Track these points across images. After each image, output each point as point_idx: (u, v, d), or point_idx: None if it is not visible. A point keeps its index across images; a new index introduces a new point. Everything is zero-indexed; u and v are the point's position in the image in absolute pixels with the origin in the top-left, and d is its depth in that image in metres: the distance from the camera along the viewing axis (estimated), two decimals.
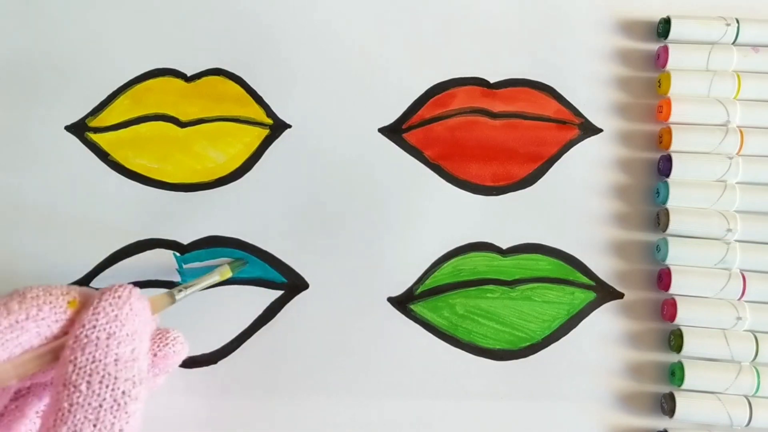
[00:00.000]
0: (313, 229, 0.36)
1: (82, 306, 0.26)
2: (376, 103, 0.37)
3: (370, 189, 0.36)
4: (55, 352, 0.26)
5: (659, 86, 0.37)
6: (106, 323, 0.26)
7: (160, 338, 0.30)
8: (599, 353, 0.35)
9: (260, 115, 0.37)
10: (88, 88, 0.37)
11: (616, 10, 0.39)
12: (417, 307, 0.35)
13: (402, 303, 0.35)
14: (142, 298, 0.27)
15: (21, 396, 0.28)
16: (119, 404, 0.25)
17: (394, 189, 0.36)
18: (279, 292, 0.35)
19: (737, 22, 0.36)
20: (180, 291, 0.31)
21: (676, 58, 0.36)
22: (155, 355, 0.29)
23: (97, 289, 0.27)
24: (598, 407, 0.34)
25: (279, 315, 0.35)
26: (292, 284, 0.35)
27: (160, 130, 0.37)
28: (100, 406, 0.25)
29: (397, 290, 0.35)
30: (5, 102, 0.37)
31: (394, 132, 0.37)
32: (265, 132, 0.37)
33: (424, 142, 0.37)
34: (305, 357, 0.34)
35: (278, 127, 0.37)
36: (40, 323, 0.26)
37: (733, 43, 0.37)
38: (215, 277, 0.33)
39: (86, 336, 0.25)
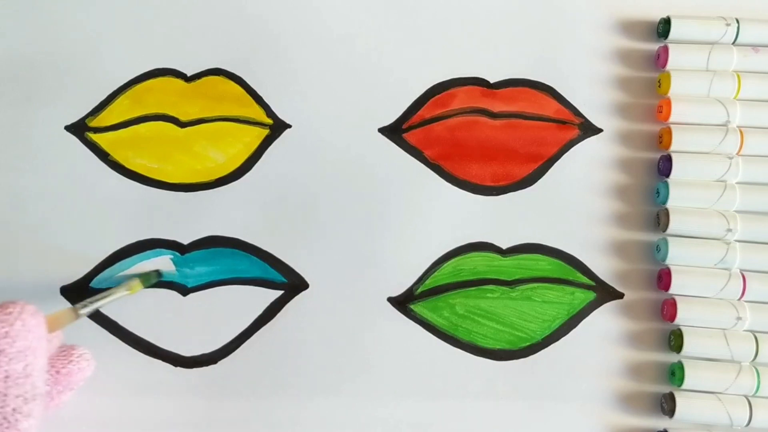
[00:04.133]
0: (313, 229, 0.36)
1: None
2: (376, 103, 0.37)
3: (370, 189, 0.36)
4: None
5: (659, 86, 0.37)
6: None
7: (64, 355, 0.30)
8: (599, 353, 0.35)
9: (260, 115, 0.37)
10: (88, 88, 0.37)
11: (616, 10, 0.39)
12: (417, 307, 0.35)
13: (402, 303, 0.35)
14: (36, 315, 0.27)
15: None
16: (9, 421, 0.25)
17: (394, 189, 0.36)
18: (279, 292, 0.35)
19: (737, 22, 0.36)
20: (84, 306, 0.31)
21: (676, 58, 0.36)
22: (58, 372, 0.30)
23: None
24: (598, 407, 0.34)
25: (279, 315, 0.35)
26: (292, 284, 0.35)
27: (160, 130, 0.37)
28: None
29: (397, 290, 0.35)
30: (5, 102, 0.37)
31: (394, 132, 0.37)
32: (265, 132, 0.37)
33: (424, 142, 0.37)
34: (305, 357, 0.34)
35: (278, 127, 0.37)
36: None
37: (733, 43, 0.37)
38: (123, 291, 0.33)
39: None
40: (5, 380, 0.25)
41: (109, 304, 0.32)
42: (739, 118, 0.36)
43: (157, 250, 0.35)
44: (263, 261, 0.35)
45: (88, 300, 0.31)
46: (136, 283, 0.33)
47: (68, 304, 0.34)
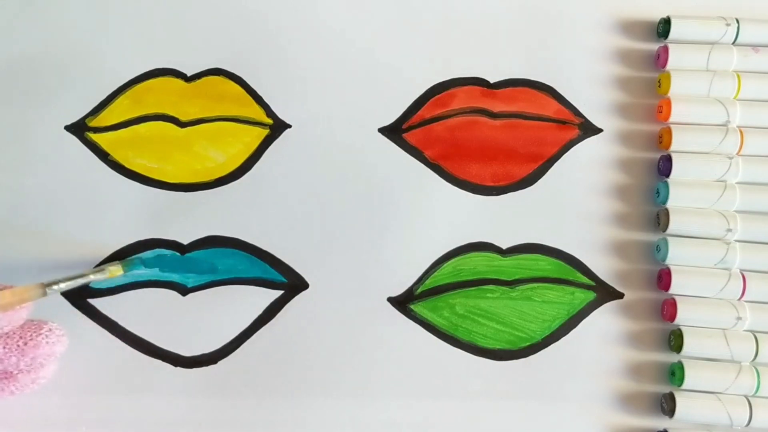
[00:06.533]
0: (313, 229, 0.36)
1: None
2: (376, 103, 0.37)
3: (370, 189, 0.36)
4: None
5: (659, 86, 0.37)
6: None
7: (33, 328, 0.31)
8: (599, 353, 0.35)
9: (260, 115, 0.37)
10: (88, 88, 0.37)
11: (616, 10, 0.39)
12: (417, 307, 0.35)
13: (402, 303, 0.35)
14: None
15: None
16: None
17: (394, 189, 0.36)
18: (279, 292, 0.35)
19: (737, 22, 0.36)
20: (55, 283, 0.31)
21: (676, 58, 0.36)
22: (26, 343, 0.30)
23: None
24: (598, 407, 0.34)
25: (279, 315, 0.35)
26: (292, 284, 0.35)
27: (160, 130, 0.37)
28: None
29: (397, 290, 0.35)
30: (5, 102, 0.37)
31: (394, 132, 0.37)
32: (265, 132, 0.37)
33: (424, 142, 0.37)
34: (305, 357, 0.34)
35: (278, 127, 0.37)
36: None
37: (733, 43, 0.37)
38: (100, 275, 0.33)
39: None
40: None
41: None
42: (739, 118, 0.36)
43: (157, 250, 0.35)
44: (263, 261, 0.35)
45: (60, 278, 0.32)
46: (117, 268, 0.34)
47: (69, 304, 0.35)
